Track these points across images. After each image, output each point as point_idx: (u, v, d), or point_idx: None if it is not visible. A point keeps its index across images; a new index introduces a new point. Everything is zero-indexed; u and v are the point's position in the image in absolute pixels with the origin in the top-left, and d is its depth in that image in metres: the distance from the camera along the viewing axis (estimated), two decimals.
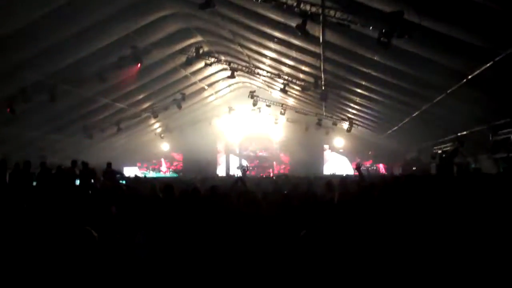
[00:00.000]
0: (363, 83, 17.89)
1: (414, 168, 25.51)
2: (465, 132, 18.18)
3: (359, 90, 19.32)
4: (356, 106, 23.49)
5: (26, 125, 20.07)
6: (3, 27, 12.99)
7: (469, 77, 12.63)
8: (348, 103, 23.36)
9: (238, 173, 31.12)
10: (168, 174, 35.86)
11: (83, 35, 15.25)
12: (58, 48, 15.22)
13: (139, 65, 18.78)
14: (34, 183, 16.47)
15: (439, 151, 21.94)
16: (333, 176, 24.68)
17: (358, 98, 21.11)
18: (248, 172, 29.14)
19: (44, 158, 19.66)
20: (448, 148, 20.74)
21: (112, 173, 18.47)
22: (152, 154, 36.40)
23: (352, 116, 26.56)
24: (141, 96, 24.11)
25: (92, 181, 17.43)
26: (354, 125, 27.58)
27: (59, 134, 23.38)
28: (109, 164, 18.78)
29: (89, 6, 14.04)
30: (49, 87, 17.66)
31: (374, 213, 6.14)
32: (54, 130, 22.51)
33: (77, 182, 17.71)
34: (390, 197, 7.31)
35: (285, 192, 10.75)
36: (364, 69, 16.08)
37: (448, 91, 14.50)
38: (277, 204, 7.79)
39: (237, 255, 5.17)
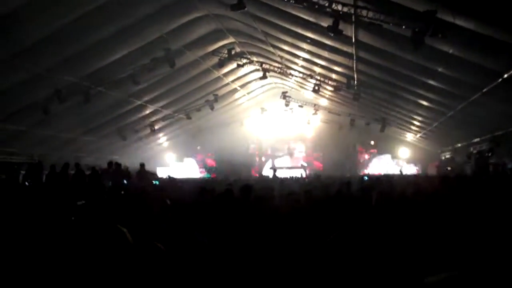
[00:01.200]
0: (397, 82, 17.71)
1: (449, 169, 25.13)
2: (501, 132, 17.85)
3: (392, 90, 19.13)
4: (389, 106, 23.26)
5: (61, 127, 20.37)
6: (41, 30, 13.22)
7: (505, 76, 12.41)
8: (381, 102, 23.14)
9: (271, 174, 31.22)
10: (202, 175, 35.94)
11: (116, 38, 15.43)
12: (92, 50, 15.42)
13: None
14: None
15: (475, 151, 21.60)
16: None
17: (391, 98, 20.91)
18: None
19: (79, 159, 19.94)
20: (484, 148, 20.39)
21: (145, 174, 18.63)
22: (186, 155, 36.53)
23: (386, 116, 26.30)
24: (174, 97, 24.28)
25: (125, 181, 17.60)
26: (387, 125, 27.31)
27: (93, 135, 23.71)
28: (142, 165, 18.93)
29: (122, 9, 14.16)
30: (84, 89, 17.90)
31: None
32: (88, 131, 22.82)
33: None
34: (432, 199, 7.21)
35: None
36: (397, 69, 15.91)
37: (484, 90, 14.26)
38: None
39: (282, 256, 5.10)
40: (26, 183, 17.99)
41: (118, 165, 18.25)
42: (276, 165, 34.59)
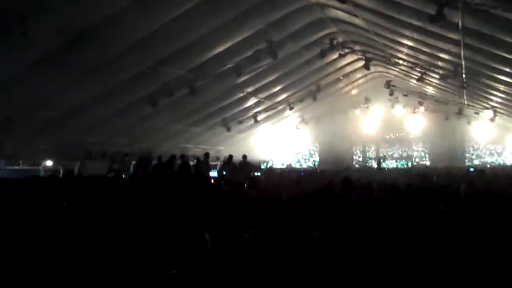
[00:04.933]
0: (507, 69, 16.94)
1: None
2: None
3: (503, 77, 18.31)
4: (500, 94, 22.25)
5: (168, 119, 21.15)
6: (146, 27, 13.80)
7: None
8: (491, 91, 22.18)
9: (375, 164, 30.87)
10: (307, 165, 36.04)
11: (220, 31, 15.79)
12: (197, 44, 15.89)
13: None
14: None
15: None
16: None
17: (502, 86, 20.01)
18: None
19: (185, 151, 20.67)
20: None
21: (246, 166, 19.02)
22: (289, 145, 36.73)
23: (496, 105, 25.19)
24: (276, 89, 24.50)
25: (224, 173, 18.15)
26: (498, 114, 26.15)
27: (199, 126, 24.41)
28: (244, 156, 19.32)
29: (226, 3, 14.51)
30: (189, 81, 18.43)
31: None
32: (194, 123, 23.53)
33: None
34: None
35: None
36: (508, 55, 15.21)
37: None
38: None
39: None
40: (138, 173, 18.97)
41: (230, 157, 18.82)
42: (381, 154, 34.12)
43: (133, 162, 21.06)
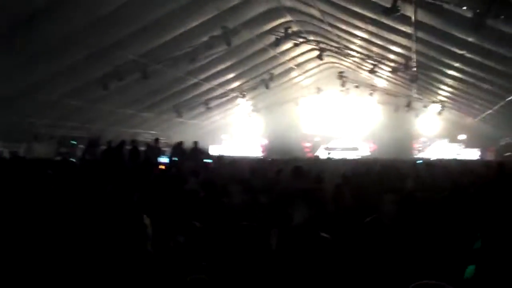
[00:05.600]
0: (457, 64, 17.33)
1: (508, 154, 24.45)
2: None
3: (452, 72, 18.74)
4: (448, 89, 22.78)
5: (119, 103, 20.83)
6: (100, 8, 13.50)
7: None
8: (440, 85, 22.68)
9: (323, 154, 31.07)
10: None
11: (174, 16, 15.62)
12: (151, 28, 15.67)
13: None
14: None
15: None
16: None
17: (451, 80, 20.47)
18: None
19: (136, 136, 20.40)
20: None
21: (197, 152, 18.87)
22: (240, 133, 36.67)
23: (444, 99, 25.77)
24: (229, 76, 24.44)
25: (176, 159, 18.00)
26: (446, 108, 26.78)
27: (150, 112, 24.14)
28: (195, 143, 19.16)
29: None
30: (142, 66, 18.17)
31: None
32: (145, 108, 23.26)
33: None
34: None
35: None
36: (458, 51, 15.54)
37: None
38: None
39: None
40: (85, 158, 18.57)
41: (180, 143, 18.68)
42: (331, 146, 34.34)
43: (81, 146, 20.65)
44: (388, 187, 6.07)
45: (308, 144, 36.05)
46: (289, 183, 8.45)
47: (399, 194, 5.27)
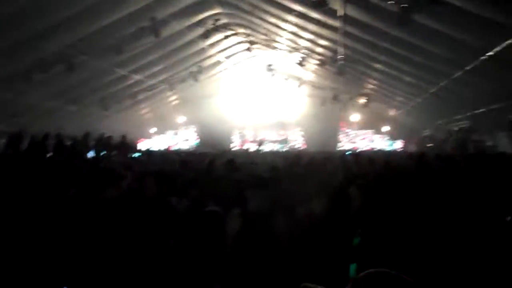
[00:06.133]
0: (382, 58, 17.77)
1: (429, 145, 25.30)
2: (482, 110, 18.03)
3: (377, 65, 19.21)
4: (374, 82, 23.36)
5: (43, 96, 20.16)
6: None
7: (489, 53, 12.51)
8: (366, 78, 23.22)
9: (253, 147, 31.25)
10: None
11: (101, 5, 15.21)
12: (76, 18, 15.18)
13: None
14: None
15: (456, 129, 21.79)
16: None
17: (376, 73, 20.98)
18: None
19: (60, 130, 19.80)
20: (464, 126, 20.59)
21: (126, 146, 18.56)
22: (168, 126, 36.36)
23: (370, 92, 26.41)
24: (158, 68, 24.07)
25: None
26: (371, 100, 27.45)
27: (75, 105, 23.48)
28: (123, 137, 18.80)
29: None
30: (66, 57, 17.61)
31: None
32: (70, 101, 22.60)
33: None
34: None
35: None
36: (384, 44, 15.95)
37: (467, 68, 14.39)
38: None
39: None
40: (8, 152, 17.90)
41: (108, 137, 18.22)
42: (260, 138, 34.55)
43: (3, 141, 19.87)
44: (318, 180, 6.14)
45: (237, 137, 36.23)
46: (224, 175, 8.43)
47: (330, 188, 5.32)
